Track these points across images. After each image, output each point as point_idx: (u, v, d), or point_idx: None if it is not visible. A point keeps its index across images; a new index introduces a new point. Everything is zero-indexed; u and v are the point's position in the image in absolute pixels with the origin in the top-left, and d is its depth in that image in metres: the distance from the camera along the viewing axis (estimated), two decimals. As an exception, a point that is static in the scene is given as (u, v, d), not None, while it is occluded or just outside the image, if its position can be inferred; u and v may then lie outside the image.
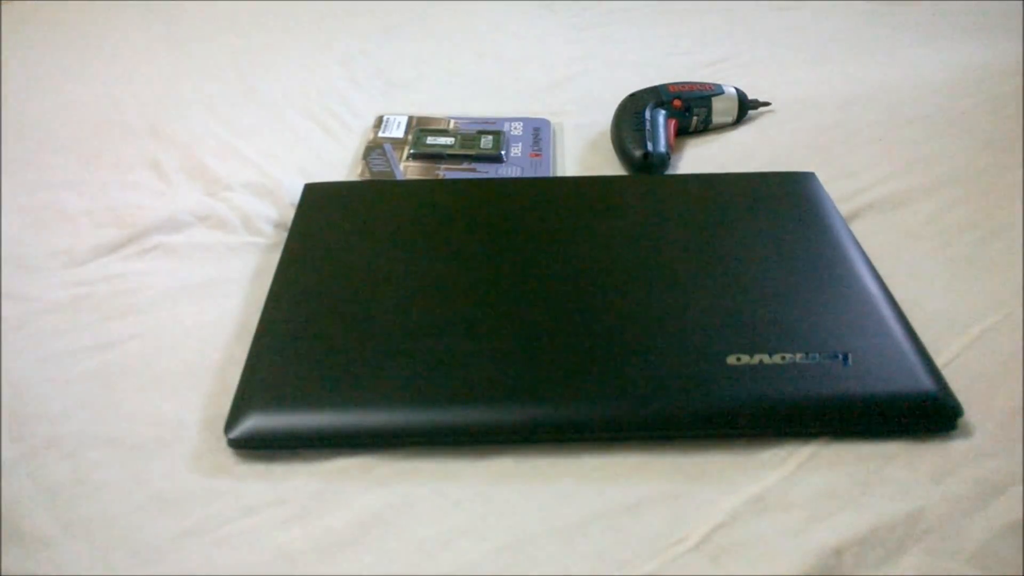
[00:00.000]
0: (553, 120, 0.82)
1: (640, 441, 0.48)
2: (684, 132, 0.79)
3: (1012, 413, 0.49)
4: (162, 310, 0.58)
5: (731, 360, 0.50)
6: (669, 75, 0.84)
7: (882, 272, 0.57)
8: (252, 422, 0.47)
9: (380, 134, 0.79)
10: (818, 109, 0.82)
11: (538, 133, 0.80)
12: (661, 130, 0.74)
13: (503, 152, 0.76)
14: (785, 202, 0.64)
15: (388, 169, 0.74)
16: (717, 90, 0.79)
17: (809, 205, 0.64)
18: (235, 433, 0.47)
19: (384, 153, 0.76)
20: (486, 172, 0.74)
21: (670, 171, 0.73)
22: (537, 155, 0.77)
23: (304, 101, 0.85)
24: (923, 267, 0.61)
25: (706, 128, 0.80)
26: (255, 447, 0.48)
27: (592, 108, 0.83)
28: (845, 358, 0.50)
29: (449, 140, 0.77)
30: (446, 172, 0.74)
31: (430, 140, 0.77)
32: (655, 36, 1.00)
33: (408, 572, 0.42)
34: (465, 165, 0.75)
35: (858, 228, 0.64)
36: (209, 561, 0.42)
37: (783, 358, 0.50)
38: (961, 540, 0.42)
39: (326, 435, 0.48)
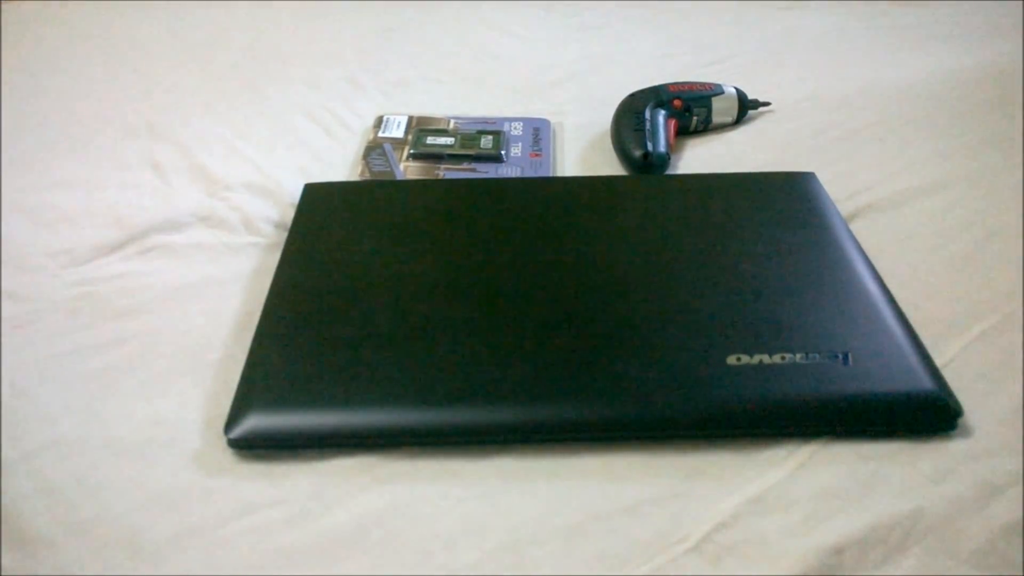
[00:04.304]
0: (553, 120, 0.82)
1: (640, 441, 0.48)
2: (684, 132, 0.79)
3: (1012, 413, 0.49)
4: (162, 310, 0.58)
5: (731, 360, 0.50)
6: (669, 75, 0.84)
7: (882, 272, 0.57)
8: (252, 422, 0.47)
9: (380, 134, 0.79)
10: (818, 109, 0.82)
11: (538, 133, 0.80)
12: (661, 130, 0.74)
13: (503, 152, 0.76)
14: (785, 202, 0.64)
15: (388, 169, 0.74)
16: (717, 90, 0.79)
17: (809, 205, 0.64)
18: (235, 433, 0.47)
19: (384, 153, 0.76)
20: (486, 172, 0.74)
21: (670, 171, 0.73)
22: (537, 155, 0.77)
23: (304, 101, 0.85)
24: (923, 267, 0.61)
25: (706, 128, 0.80)
26: (255, 447, 0.48)
27: (592, 108, 0.83)
28: (845, 358, 0.50)
29: (449, 140, 0.77)
30: (446, 172, 0.74)
31: (430, 140, 0.77)
32: (655, 36, 1.00)
33: (408, 572, 0.42)
34: (465, 165, 0.75)
35: (858, 228, 0.64)
36: (209, 561, 0.42)
37: (783, 358, 0.50)
38: (961, 540, 0.42)
39: (326, 435, 0.48)
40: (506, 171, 0.74)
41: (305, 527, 0.44)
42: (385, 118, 0.81)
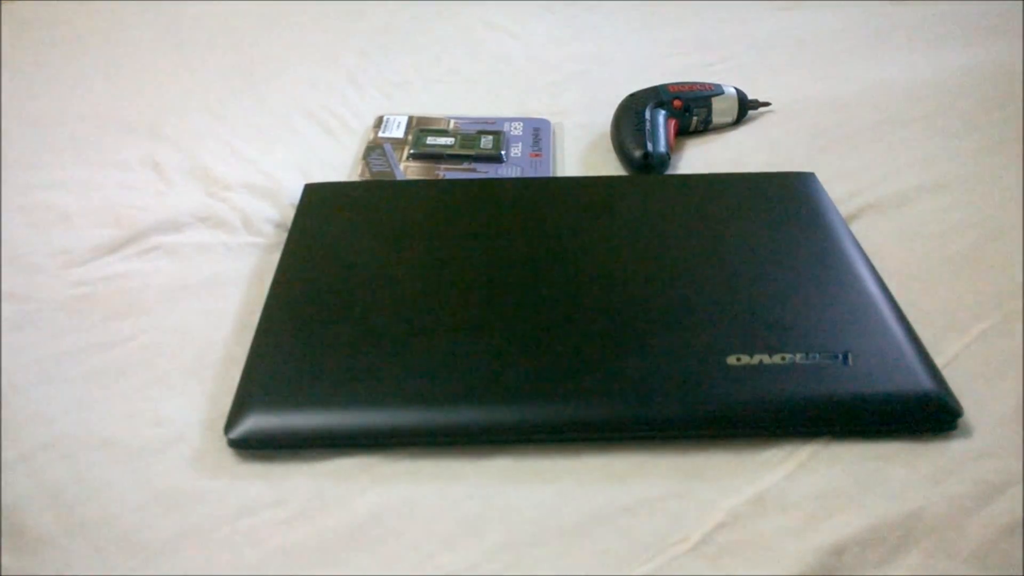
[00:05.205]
0: (553, 120, 0.82)
1: (640, 441, 0.48)
2: (684, 132, 0.79)
3: (1012, 413, 0.49)
4: (162, 310, 0.58)
5: (731, 360, 0.50)
6: (669, 75, 0.84)
7: (882, 272, 0.57)
8: (252, 422, 0.47)
9: (380, 134, 0.79)
10: (818, 109, 0.82)
11: (538, 133, 0.80)
12: (661, 130, 0.74)
13: (503, 152, 0.76)
14: (785, 202, 0.64)
15: (388, 169, 0.74)
16: (717, 90, 0.79)
17: (809, 205, 0.64)
18: (235, 433, 0.47)
19: (384, 153, 0.76)
20: (486, 172, 0.74)
21: (670, 171, 0.73)
22: (537, 155, 0.77)
23: (304, 101, 0.85)
24: (923, 267, 0.61)
25: (706, 128, 0.80)
26: (255, 447, 0.48)
27: (592, 108, 0.83)
28: (845, 358, 0.50)
29: (449, 140, 0.77)
30: (446, 172, 0.74)
31: (430, 140, 0.77)
32: (655, 36, 1.00)
33: (408, 572, 0.42)
34: (465, 165, 0.75)
35: (858, 228, 0.64)
36: (209, 561, 0.42)
37: (783, 358, 0.50)
38: (961, 540, 0.42)
39: (326, 435, 0.48)
40: (506, 171, 0.74)
41: (305, 527, 0.44)
42: (385, 118, 0.81)
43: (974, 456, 0.47)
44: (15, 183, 0.71)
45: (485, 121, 0.81)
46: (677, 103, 0.77)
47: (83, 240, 0.64)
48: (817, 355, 0.50)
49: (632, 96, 0.78)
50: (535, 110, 0.84)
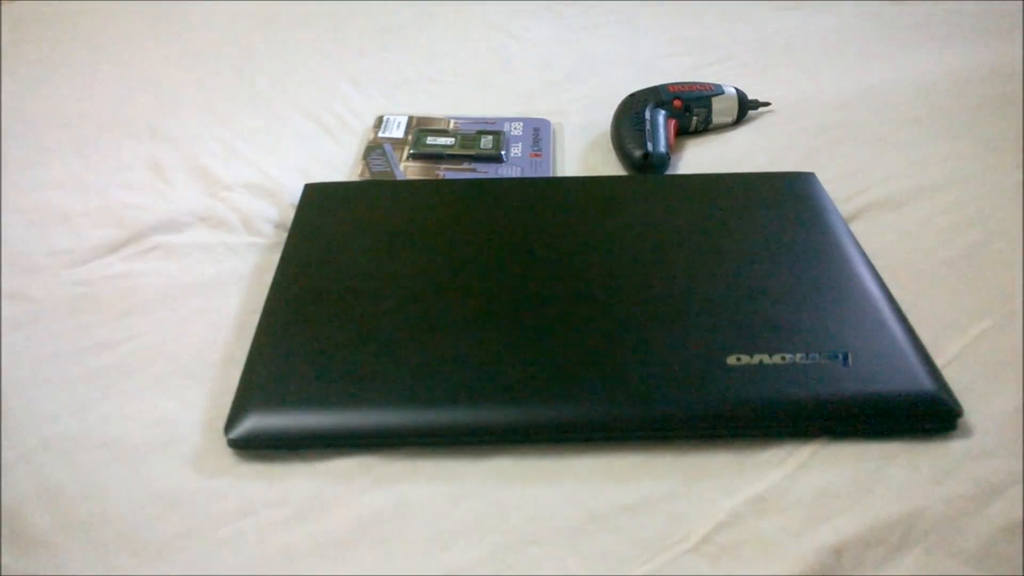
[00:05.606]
0: (553, 120, 0.82)
1: (640, 441, 0.48)
2: (684, 132, 0.79)
3: (1012, 413, 0.49)
4: (162, 310, 0.58)
5: (731, 360, 0.50)
6: (669, 75, 0.84)
7: (882, 272, 0.57)
8: (252, 422, 0.47)
9: (380, 134, 0.79)
10: (818, 109, 0.82)
11: (538, 133, 0.80)
12: (661, 130, 0.74)
13: (503, 152, 0.76)
14: (785, 202, 0.64)
15: (388, 169, 0.74)
16: (717, 90, 0.79)
17: (809, 205, 0.64)
18: (235, 433, 0.47)
19: (384, 153, 0.76)
20: (486, 172, 0.74)
21: (670, 171, 0.73)
22: (537, 155, 0.77)
23: (304, 101, 0.85)
24: (923, 267, 0.61)
25: (706, 128, 0.80)
26: (255, 447, 0.48)
27: (592, 108, 0.83)
28: (845, 358, 0.50)
29: (449, 140, 0.77)
30: (446, 172, 0.74)
31: (430, 140, 0.77)
32: (655, 36, 1.00)
33: (408, 572, 0.42)
34: (465, 165, 0.75)
35: (858, 228, 0.64)
36: (209, 561, 0.42)
37: (783, 358, 0.50)
38: (961, 540, 0.43)
39: (326, 435, 0.48)
40: (506, 171, 0.74)
41: (305, 527, 0.44)
42: (385, 118, 0.81)
43: (974, 456, 0.47)
44: (15, 183, 0.71)
45: (485, 121, 0.81)
46: (677, 103, 0.77)
47: (83, 240, 0.64)
48: (817, 355, 0.50)
49: (632, 96, 0.78)
50: (535, 110, 0.84)
